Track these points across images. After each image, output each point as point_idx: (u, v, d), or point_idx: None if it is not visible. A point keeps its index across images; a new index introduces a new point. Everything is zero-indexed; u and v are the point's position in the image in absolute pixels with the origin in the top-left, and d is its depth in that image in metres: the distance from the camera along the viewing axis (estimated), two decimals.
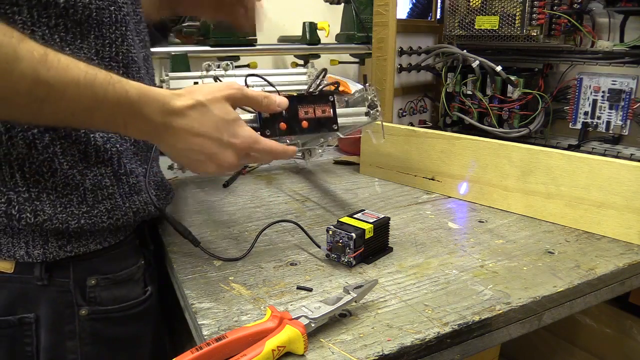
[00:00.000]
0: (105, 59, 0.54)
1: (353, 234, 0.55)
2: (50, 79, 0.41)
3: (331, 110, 0.61)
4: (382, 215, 0.60)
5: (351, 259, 0.56)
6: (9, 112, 0.43)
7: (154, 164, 0.64)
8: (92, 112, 0.44)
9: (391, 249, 0.61)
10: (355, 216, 0.60)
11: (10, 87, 0.40)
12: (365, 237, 0.57)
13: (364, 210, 0.62)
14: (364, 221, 0.58)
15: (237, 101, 0.53)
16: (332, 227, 0.57)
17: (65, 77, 0.42)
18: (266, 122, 0.58)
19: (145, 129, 0.48)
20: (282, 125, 0.58)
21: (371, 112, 0.65)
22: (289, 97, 0.59)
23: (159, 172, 0.67)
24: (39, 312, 0.54)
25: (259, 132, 0.57)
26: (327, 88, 0.67)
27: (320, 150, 0.70)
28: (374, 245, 0.59)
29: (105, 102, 0.44)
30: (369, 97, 0.66)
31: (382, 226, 0.59)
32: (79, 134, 0.52)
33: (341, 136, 0.64)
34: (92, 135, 0.53)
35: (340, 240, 0.56)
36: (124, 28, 0.55)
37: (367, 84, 0.66)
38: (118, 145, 0.56)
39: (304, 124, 0.59)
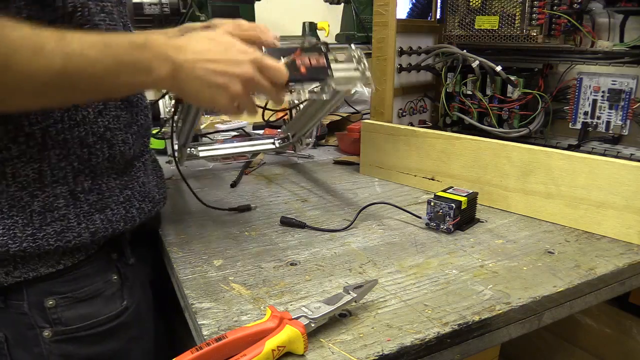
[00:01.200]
0: None
1: (453, 204, 0.64)
2: (75, 50, 0.43)
3: (324, 60, 0.61)
4: (471, 191, 0.69)
5: (450, 226, 0.64)
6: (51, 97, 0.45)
7: (140, 173, 0.62)
8: (118, 66, 0.45)
9: (479, 220, 0.70)
10: (448, 191, 0.69)
11: (43, 69, 0.42)
12: (462, 208, 0.65)
13: (452, 187, 0.71)
14: (457, 194, 0.67)
15: (237, 32, 0.53)
16: (432, 199, 0.66)
17: (84, 44, 0.44)
18: None
19: (165, 68, 0.47)
20: None
21: (359, 66, 0.65)
22: (287, 48, 0.59)
23: (148, 181, 0.64)
24: (6, 332, 0.54)
25: None
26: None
27: (309, 140, 0.71)
28: (466, 216, 0.68)
29: (126, 51, 0.46)
30: (356, 55, 0.65)
31: (473, 199, 0.68)
32: (33, 151, 0.50)
33: (334, 87, 0.62)
34: (46, 152, 0.51)
35: (441, 210, 0.65)
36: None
37: (352, 44, 0.67)
38: (76, 163, 0.53)
39: (302, 69, 0.59)
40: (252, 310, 0.47)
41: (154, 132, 0.90)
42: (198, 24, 0.63)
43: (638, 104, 0.73)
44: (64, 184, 0.53)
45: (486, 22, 0.83)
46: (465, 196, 0.67)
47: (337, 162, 1.03)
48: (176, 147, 0.78)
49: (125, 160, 0.58)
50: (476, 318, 0.46)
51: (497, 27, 0.82)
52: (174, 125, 0.73)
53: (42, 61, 0.42)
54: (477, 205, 0.72)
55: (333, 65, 0.61)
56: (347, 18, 1.70)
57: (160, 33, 0.53)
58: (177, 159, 0.76)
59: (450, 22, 0.88)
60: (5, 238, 0.50)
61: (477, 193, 0.70)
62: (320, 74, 0.61)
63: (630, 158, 0.72)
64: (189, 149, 0.83)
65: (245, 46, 0.51)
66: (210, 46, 0.49)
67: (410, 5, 1.70)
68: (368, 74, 0.63)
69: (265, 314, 0.43)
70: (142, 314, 0.63)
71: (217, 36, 0.51)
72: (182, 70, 0.48)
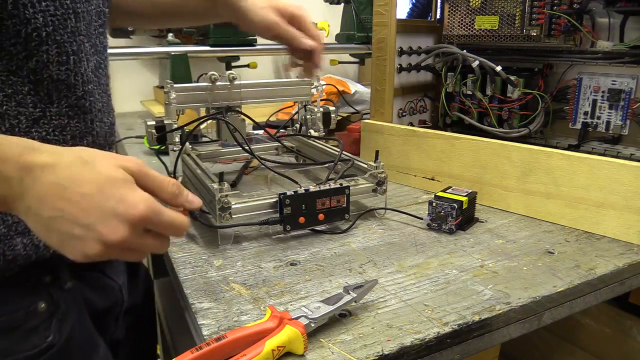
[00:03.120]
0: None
1: (455, 205, 0.64)
2: None
3: (345, 200, 0.64)
4: (471, 190, 0.69)
5: (452, 226, 0.65)
6: None
7: None
8: None
9: (478, 220, 0.70)
10: (447, 191, 0.69)
11: None
12: (463, 208, 0.65)
13: (451, 187, 0.71)
14: (458, 194, 0.67)
15: (133, 174, 0.41)
16: (433, 200, 0.66)
17: None
18: (287, 217, 0.61)
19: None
20: (301, 219, 0.62)
21: (379, 188, 0.70)
22: (309, 193, 0.61)
23: None
24: None
25: (280, 227, 0.61)
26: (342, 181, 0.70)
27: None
28: (467, 215, 0.68)
29: None
30: (378, 175, 0.69)
31: (473, 199, 0.69)
32: None
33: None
34: None
35: (443, 211, 0.65)
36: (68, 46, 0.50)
37: (378, 160, 0.70)
38: None
39: (320, 216, 0.63)
40: (252, 310, 0.47)
41: (157, 147, 0.88)
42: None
43: (638, 104, 0.73)
44: None
45: (486, 22, 0.83)
46: (465, 196, 0.67)
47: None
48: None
49: None
50: (476, 318, 0.46)
51: (497, 27, 0.82)
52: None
53: None
54: (477, 205, 0.72)
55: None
56: (347, 18, 1.70)
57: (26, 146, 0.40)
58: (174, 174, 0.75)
59: (450, 22, 0.88)
60: None
61: (476, 192, 0.70)
62: (338, 216, 0.64)
63: (630, 158, 0.72)
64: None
65: (137, 193, 0.40)
66: (79, 177, 0.39)
67: (410, 5, 1.70)
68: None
69: (265, 314, 0.43)
70: (75, 352, 0.55)
71: (96, 165, 0.39)
72: (29, 196, 0.38)
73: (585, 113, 0.79)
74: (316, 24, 1.68)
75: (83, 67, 0.53)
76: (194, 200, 0.45)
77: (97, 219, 0.38)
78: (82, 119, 0.53)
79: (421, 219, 0.68)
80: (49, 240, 0.39)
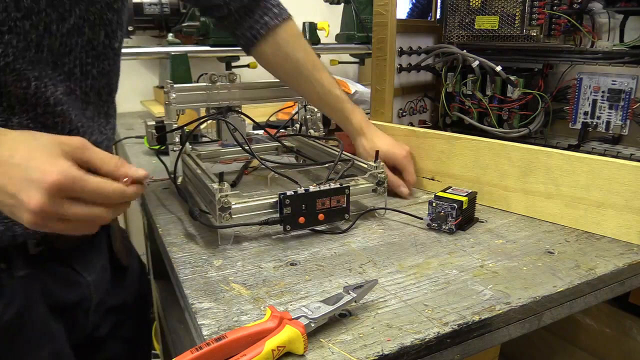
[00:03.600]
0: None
1: (455, 205, 0.64)
2: None
3: (345, 200, 0.65)
4: (470, 190, 0.69)
5: (453, 226, 0.65)
6: None
7: None
8: None
9: (478, 220, 0.70)
10: (447, 191, 0.68)
11: None
12: (463, 208, 0.65)
13: (451, 186, 0.71)
14: (457, 194, 0.67)
15: (73, 150, 0.43)
16: (433, 200, 0.65)
17: None
18: (287, 217, 0.61)
19: None
20: (301, 219, 0.62)
21: (379, 188, 0.70)
22: (309, 193, 0.61)
23: None
24: None
25: (280, 227, 0.61)
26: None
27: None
28: (467, 215, 0.68)
29: None
30: (378, 175, 0.70)
31: (472, 199, 0.69)
32: None
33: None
34: None
35: (443, 211, 0.65)
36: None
37: (378, 161, 0.70)
38: None
39: (320, 216, 0.63)
40: (252, 310, 0.48)
41: (157, 147, 0.88)
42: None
43: (638, 104, 0.73)
44: None
45: (486, 22, 0.83)
46: (465, 196, 0.66)
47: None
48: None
49: None
50: (476, 318, 0.46)
51: (497, 27, 0.82)
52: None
53: None
54: (477, 205, 0.72)
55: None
56: (347, 18, 1.70)
57: None
58: (174, 178, 0.75)
59: (450, 22, 0.88)
60: None
61: (476, 193, 0.70)
62: (338, 216, 0.64)
63: (630, 158, 0.72)
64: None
65: (59, 160, 0.41)
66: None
67: (410, 5, 1.70)
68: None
69: (265, 314, 0.43)
70: (23, 336, 0.57)
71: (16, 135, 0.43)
72: None
73: (585, 113, 0.79)
74: (316, 24, 1.68)
75: (49, 91, 0.55)
76: (139, 170, 0.47)
77: (18, 188, 0.40)
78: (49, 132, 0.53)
79: (421, 219, 0.68)
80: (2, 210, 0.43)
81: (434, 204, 0.66)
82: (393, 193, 0.78)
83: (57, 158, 0.41)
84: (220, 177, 0.61)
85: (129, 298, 0.81)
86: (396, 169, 0.80)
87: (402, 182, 0.79)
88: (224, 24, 0.84)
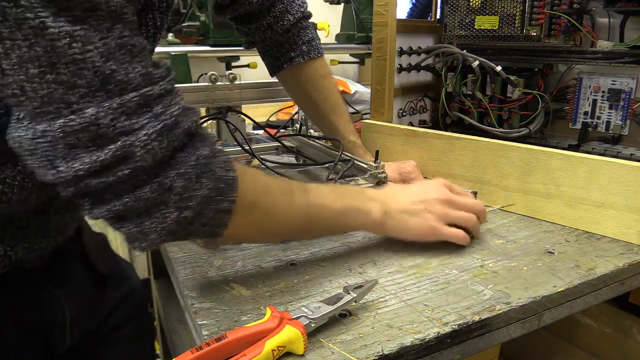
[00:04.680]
0: None
1: None
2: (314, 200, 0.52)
3: None
4: (470, 190, 0.69)
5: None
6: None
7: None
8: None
9: None
10: None
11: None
12: None
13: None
14: None
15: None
16: None
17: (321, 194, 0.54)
18: None
19: (378, 211, 0.56)
20: None
21: (379, 188, 0.69)
22: None
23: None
24: None
25: None
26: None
27: None
28: None
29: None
30: (378, 175, 0.70)
31: None
32: None
33: None
34: None
35: None
36: None
37: (378, 161, 0.70)
38: None
39: None
40: (252, 310, 0.47)
41: None
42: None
43: (638, 104, 0.74)
44: None
45: (486, 22, 0.83)
46: None
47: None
48: None
49: None
50: (476, 318, 0.46)
51: (497, 27, 0.82)
52: None
53: (295, 209, 0.51)
54: None
55: None
56: (347, 18, 1.70)
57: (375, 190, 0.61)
58: None
59: (450, 22, 0.88)
60: None
61: (476, 192, 0.70)
62: None
63: (630, 158, 0.72)
64: None
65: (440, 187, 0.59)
66: (408, 191, 0.60)
67: (410, 5, 1.70)
68: None
69: (265, 314, 0.43)
70: None
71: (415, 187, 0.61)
72: (390, 211, 0.56)
73: (585, 113, 0.79)
74: (316, 24, 1.68)
75: None
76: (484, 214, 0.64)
77: (428, 192, 0.61)
78: None
79: None
80: (411, 227, 0.59)
81: None
82: None
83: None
84: None
85: (120, 302, 0.78)
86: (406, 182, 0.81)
87: None
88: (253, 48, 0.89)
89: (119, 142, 0.37)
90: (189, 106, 0.43)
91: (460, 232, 0.59)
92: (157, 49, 1.45)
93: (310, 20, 0.88)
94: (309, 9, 0.86)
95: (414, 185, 0.62)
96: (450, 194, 0.59)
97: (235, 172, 0.44)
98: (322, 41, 1.70)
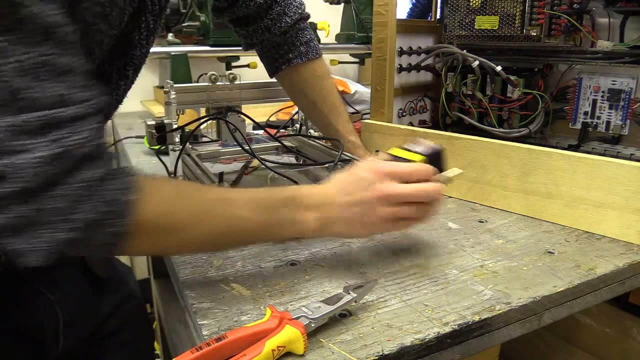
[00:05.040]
0: None
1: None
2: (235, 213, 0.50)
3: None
4: (436, 145, 0.55)
5: None
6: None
7: None
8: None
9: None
10: (406, 146, 0.56)
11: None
12: None
13: (417, 139, 0.57)
14: (414, 152, 0.55)
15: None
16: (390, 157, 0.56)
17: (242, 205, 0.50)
18: None
19: (311, 220, 0.52)
20: None
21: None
22: None
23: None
24: None
25: None
26: None
27: None
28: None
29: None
30: None
31: (435, 158, 0.55)
32: None
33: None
34: None
35: None
36: None
37: (377, 151, 0.68)
38: None
39: None
40: (252, 310, 0.47)
41: (157, 147, 0.88)
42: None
43: (638, 104, 0.73)
44: None
45: (486, 22, 0.83)
46: (424, 154, 0.54)
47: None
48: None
49: None
50: (476, 318, 0.46)
51: (497, 27, 0.82)
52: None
53: (210, 225, 0.49)
54: (477, 205, 0.71)
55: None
56: (347, 18, 1.70)
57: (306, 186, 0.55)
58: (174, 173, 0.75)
59: (450, 22, 0.88)
60: None
61: (444, 149, 0.57)
62: None
63: (630, 158, 0.72)
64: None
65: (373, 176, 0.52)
66: (344, 190, 0.53)
67: (410, 5, 1.70)
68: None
69: (265, 314, 0.43)
70: None
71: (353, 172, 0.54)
72: (327, 220, 0.52)
73: (585, 113, 0.79)
74: (316, 24, 1.68)
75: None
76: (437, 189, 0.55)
77: (364, 190, 0.53)
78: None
79: None
80: (351, 229, 0.54)
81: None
82: None
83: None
84: (220, 177, 0.61)
85: (117, 307, 0.78)
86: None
87: None
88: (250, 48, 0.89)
89: (2, 160, 0.36)
90: (99, 127, 0.42)
91: (405, 225, 0.55)
92: (158, 49, 1.45)
93: (310, 21, 0.88)
94: (309, 9, 0.86)
95: (350, 181, 0.53)
96: (389, 189, 0.51)
97: (135, 194, 0.43)
98: (322, 41, 1.71)
